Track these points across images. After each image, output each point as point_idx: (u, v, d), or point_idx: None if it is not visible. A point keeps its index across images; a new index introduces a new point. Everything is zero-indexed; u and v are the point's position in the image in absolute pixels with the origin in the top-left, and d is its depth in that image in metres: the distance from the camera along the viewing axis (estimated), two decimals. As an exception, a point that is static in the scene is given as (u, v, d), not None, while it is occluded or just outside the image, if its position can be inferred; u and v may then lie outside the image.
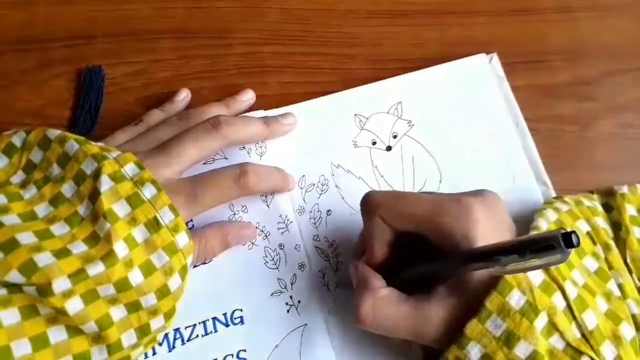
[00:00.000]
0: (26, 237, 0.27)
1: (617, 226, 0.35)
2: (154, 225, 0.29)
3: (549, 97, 0.42)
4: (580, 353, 0.27)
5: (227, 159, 0.38)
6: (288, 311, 0.35)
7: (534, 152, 0.39)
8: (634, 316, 0.30)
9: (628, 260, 0.33)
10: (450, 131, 0.40)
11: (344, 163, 0.39)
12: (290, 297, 0.35)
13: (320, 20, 0.43)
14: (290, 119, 0.39)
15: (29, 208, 0.28)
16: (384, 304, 0.29)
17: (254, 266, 0.36)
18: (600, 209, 0.36)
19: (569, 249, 0.22)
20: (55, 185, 0.29)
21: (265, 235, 0.37)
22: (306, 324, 0.35)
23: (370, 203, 0.31)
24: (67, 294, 0.26)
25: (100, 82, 0.41)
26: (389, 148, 0.39)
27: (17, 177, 0.30)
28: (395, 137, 0.40)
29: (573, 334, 0.28)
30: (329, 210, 0.38)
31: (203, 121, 0.35)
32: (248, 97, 0.40)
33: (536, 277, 0.28)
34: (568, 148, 0.40)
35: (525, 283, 0.28)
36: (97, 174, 0.29)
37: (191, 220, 0.36)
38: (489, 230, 0.28)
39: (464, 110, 0.40)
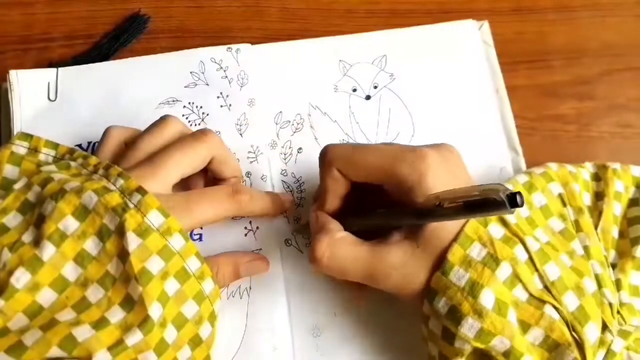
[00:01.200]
0: (65, 315, 0.26)
1: (599, 197, 0.35)
2: (183, 275, 0.29)
3: (549, 96, 0.42)
4: (543, 302, 0.28)
5: (208, 85, 0.39)
6: (246, 235, 0.36)
7: (510, 120, 0.40)
8: (596, 275, 0.30)
9: (598, 230, 0.33)
10: (430, 89, 0.40)
11: (322, 105, 0.40)
12: (250, 222, 0.36)
13: (320, 19, 0.43)
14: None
15: (56, 273, 0.27)
16: (340, 244, 0.30)
17: (219, 189, 0.37)
18: (584, 176, 0.35)
19: (514, 208, 0.22)
20: (76, 241, 0.27)
21: (234, 162, 0.38)
22: (261, 249, 0.36)
23: (327, 155, 0.31)
24: None
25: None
26: (368, 97, 0.40)
27: (29, 235, 0.28)
28: (375, 87, 0.40)
29: (535, 285, 0.28)
30: (300, 148, 0.39)
31: (190, 133, 0.34)
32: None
33: (496, 231, 0.29)
34: (568, 148, 0.41)
35: (485, 236, 0.28)
36: (121, 231, 0.28)
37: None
38: (442, 177, 0.29)
39: (447, 71, 0.41)
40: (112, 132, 0.34)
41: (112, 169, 0.30)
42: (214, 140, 0.33)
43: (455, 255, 0.28)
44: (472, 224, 0.28)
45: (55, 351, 0.25)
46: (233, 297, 0.35)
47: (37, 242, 0.27)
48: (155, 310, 0.27)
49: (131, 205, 0.28)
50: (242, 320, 0.34)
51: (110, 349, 0.26)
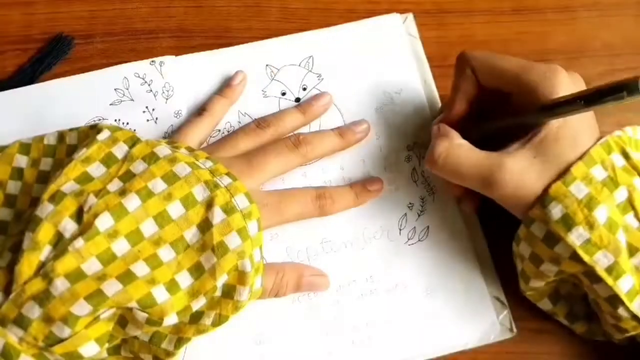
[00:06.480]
0: (140, 269, 0.28)
1: None
2: (253, 260, 0.30)
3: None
4: None
5: (133, 100, 0.39)
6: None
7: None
8: None
9: None
10: (358, 86, 0.40)
11: (252, 112, 0.40)
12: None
13: (320, 19, 0.43)
14: (364, 125, 0.39)
15: (135, 226, 0.28)
16: (459, 148, 0.32)
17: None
18: None
19: None
20: (161, 201, 0.29)
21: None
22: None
23: (464, 55, 0.34)
24: None
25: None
26: (297, 99, 0.40)
27: (114, 185, 0.29)
28: (304, 89, 0.40)
29: None
30: (233, 157, 0.38)
31: (285, 138, 0.36)
32: (325, 101, 0.39)
33: (618, 160, 0.31)
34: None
35: (608, 162, 0.30)
36: (209, 204, 0.29)
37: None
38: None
39: (374, 66, 0.41)
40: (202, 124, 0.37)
41: (198, 152, 0.32)
42: (307, 151, 0.36)
43: (578, 170, 0.30)
44: (597, 149, 0.30)
45: (132, 305, 0.27)
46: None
47: (123, 193, 0.28)
48: (221, 281, 0.29)
49: (222, 185, 0.30)
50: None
51: (178, 313, 0.28)
